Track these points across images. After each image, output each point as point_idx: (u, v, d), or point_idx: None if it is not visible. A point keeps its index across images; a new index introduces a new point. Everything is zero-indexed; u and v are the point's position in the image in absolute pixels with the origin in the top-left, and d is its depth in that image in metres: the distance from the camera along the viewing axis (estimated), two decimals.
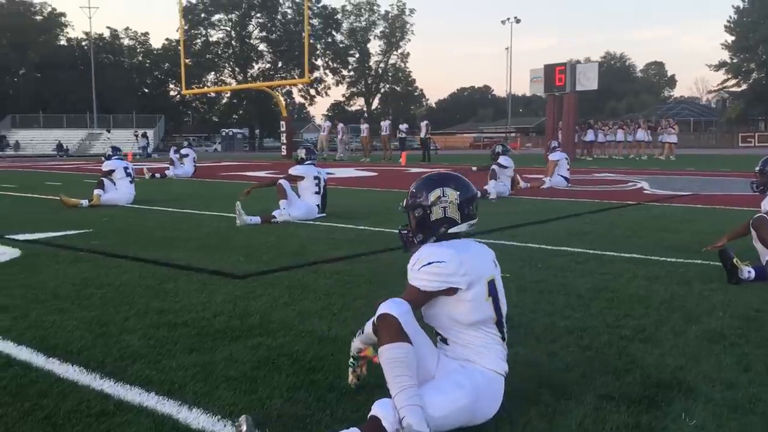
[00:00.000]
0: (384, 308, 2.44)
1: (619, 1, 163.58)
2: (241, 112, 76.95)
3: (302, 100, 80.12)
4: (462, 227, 2.65)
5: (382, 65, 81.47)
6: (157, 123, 58.83)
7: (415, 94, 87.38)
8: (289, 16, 73.74)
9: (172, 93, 77.21)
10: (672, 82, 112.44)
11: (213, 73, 75.73)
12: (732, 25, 66.43)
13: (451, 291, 2.51)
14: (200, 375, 3.03)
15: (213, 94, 74.83)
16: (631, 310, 4.12)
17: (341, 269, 5.38)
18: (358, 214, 9.14)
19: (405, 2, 79.17)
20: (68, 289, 4.72)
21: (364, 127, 29.72)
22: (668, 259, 5.74)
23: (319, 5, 72.78)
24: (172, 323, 3.85)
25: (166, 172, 17.69)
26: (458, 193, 2.63)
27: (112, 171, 10.62)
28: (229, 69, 75.46)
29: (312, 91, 75.81)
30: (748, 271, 4.85)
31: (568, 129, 26.68)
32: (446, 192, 2.62)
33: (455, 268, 2.49)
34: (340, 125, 29.29)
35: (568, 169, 14.08)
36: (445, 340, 2.64)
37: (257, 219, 8.07)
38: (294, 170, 8.57)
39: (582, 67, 26.58)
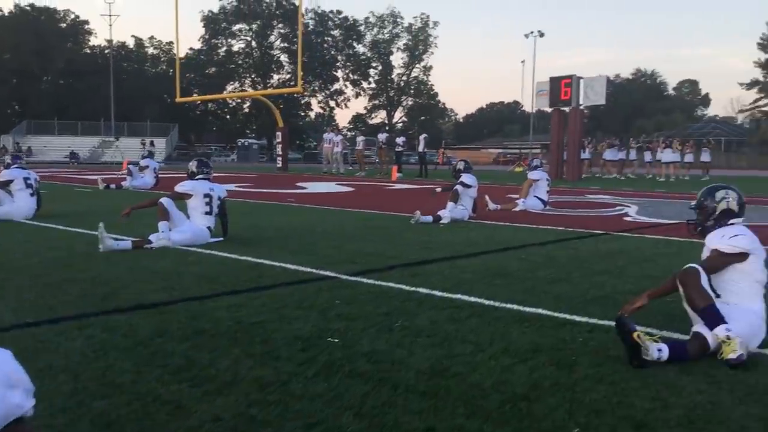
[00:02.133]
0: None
1: (652, 18, 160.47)
2: (258, 123, 76.35)
3: (321, 111, 79.06)
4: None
5: (404, 78, 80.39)
6: (170, 131, 58.22)
7: (439, 107, 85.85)
8: (311, 27, 73.06)
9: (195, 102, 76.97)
10: (706, 100, 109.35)
11: (234, 83, 75.35)
12: (765, 42, 64.00)
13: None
14: None
15: (232, 103, 74.45)
16: (452, 416, 2.72)
17: (118, 325, 4.03)
18: (269, 240, 7.82)
19: (429, 15, 77.94)
20: None
21: (359, 139, 28.43)
22: (573, 318, 4.30)
23: (340, 16, 72.13)
24: None
25: (123, 183, 16.58)
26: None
27: (10, 181, 9.46)
28: (250, 79, 75.00)
29: (332, 103, 74.98)
30: (657, 349, 3.41)
31: (573, 145, 25.08)
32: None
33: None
34: (339, 137, 28.01)
35: (547, 191, 12.58)
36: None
37: (127, 243, 6.79)
38: (180, 187, 7.27)
39: (589, 80, 24.93)
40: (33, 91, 68.10)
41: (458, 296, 4.89)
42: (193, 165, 7.56)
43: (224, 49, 73.92)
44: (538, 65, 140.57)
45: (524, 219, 10.61)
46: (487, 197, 11.97)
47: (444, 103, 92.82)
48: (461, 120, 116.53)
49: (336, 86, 74.49)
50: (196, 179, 7.38)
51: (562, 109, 25.78)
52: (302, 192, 16.79)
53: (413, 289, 5.12)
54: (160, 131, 57.46)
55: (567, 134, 25.58)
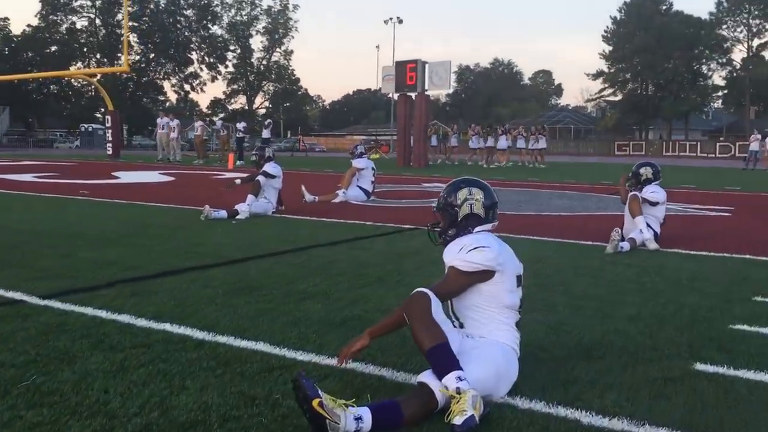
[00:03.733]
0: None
1: (509, 9, 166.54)
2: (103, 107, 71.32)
3: (175, 96, 75.00)
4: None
5: (264, 62, 77.89)
6: None
7: (301, 93, 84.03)
8: (162, 6, 68.94)
9: (32, 83, 70.47)
10: (559, 90, 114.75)
11: (78, 62, 69.74)
12: (609, 35, 67.39)
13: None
14: None
15: (77, 84, 68.88)
16: None
17: None
18: None
19: None
20: None
21: (197, 124, 26.49)
22: (294, 357, 3.24)
23: None
24: None
25: None
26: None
27: None
28: (95, 59, 69.74)
29: (186, 87, 71.29)
30: (355, 418, 2.39)
31: (419, 131, 24.58)
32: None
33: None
34: (175, 122, 25.88)
35: (372, 181, 11.66)
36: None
37: None
38: None
39: (434, 65, 24.46)
40: None
41: (164, 326, 3.70)
42: None
43: (65, 26, 68.20)
44: (399, 54, 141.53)
45: (338, 212, 9.59)
46: (303, 187, 10.88)
47: (307, 89, 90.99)
48: (328, 107, 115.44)
49: (191, 69, 70.78)
50: None
51: (408, 94, 25.18)
52: (108, 183, 14.92)
53: (112, 317, 3.88)
54: None
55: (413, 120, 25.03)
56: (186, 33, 70.78)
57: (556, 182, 17.07)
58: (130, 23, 69.05)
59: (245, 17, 75.41)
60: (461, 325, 3.02)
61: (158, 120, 27.24)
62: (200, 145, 26.29)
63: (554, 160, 35.27)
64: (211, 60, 71.84)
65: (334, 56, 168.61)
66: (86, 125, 60.99)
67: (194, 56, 70.82)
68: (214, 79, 73.45)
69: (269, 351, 3.33)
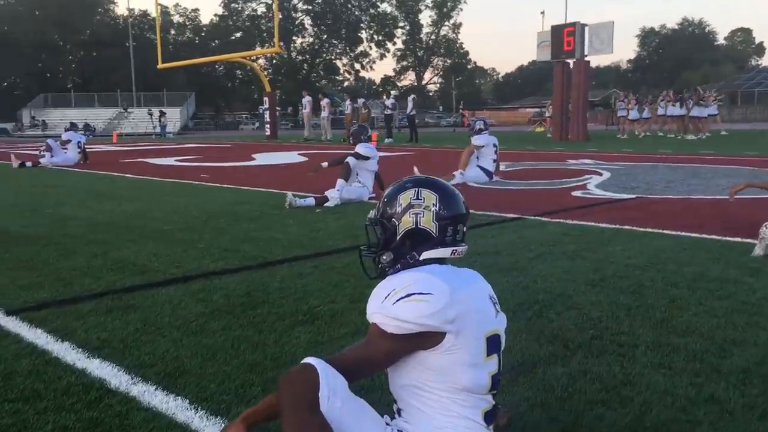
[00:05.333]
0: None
1: None
2: (284, 89, 74.54)
3: (347, 76, 76.58)
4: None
5: (432, 37, 77.11)
6: (186, 100, 56.77)
7: (470, 67, 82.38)
8: None
9: (220, 68, 75.17)
10: (760, 49, 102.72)
11: (257, 47, 73.30)
12: None
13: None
14: None
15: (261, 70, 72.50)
16: None
17: None
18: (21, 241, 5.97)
19: None
20: None
21: (324, 102, 25.94)
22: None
23: None
24: None
25: (41, 160, 14.95)
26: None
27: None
28: (272, 44, 72.92)
29: (357, 66, 72.47)
30: None
31: (577, 102, 22.42)
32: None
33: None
34: (325, 100, 25.73)
35: (494, 160, 10.37)
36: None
37: None
38: None
39: (595, 27, 22.05)
40: (55, 64, 67.55)
41: (90, 364, 2.94)
42: None
43: (247, 13, 71.96)
44: (572, 20, 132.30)
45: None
46: (416, 169, 9.86)
47: (476, 62, 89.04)
48: (501, 79, 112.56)
49: (360, 48, 71.80)
50: None
51: (566, 61, 23.07)
52: (238, 165, 14.79)
53: (47, 346, 3.18)
54: (177, 100, 56.12)
55: (572, 89, 22.88)
56: (356, 13, 71.79)
57: (734, 155, 14.62)
58: (304, 6, 71.54)
59: None
60: (399, 411, 1.94)
61: (303, 99, 27.33)
62: (348, 123, 25.89)
63: (750, 128, 31.25)
64: (380, 38, 72.36)
65: (506, 26, 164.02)
66: (263, 107, 64.02)
67: (363, 35, 71.69)
68: (382, 56, 74.10)
69: (176, 416, 2.43)
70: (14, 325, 3.47)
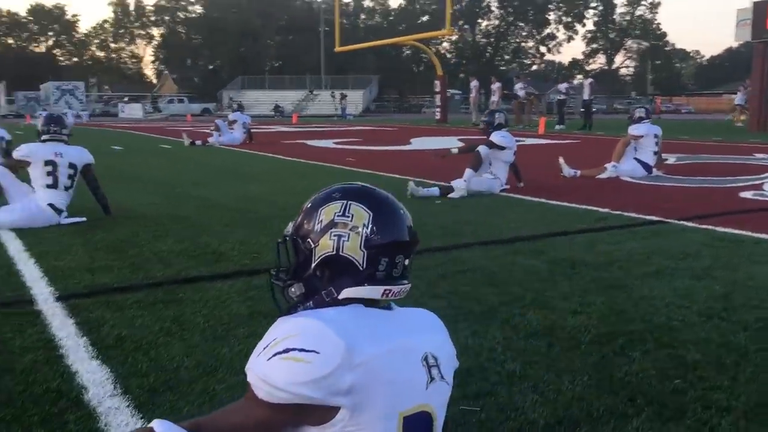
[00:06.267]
0: None
1: None
2: (466, 72, 73.93)
3: (535, 59, 74.24)
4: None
5: (627, 18, 72.38)
6: (369, 84, 58.14)
7: (666, 49, 76.43)
8: None
9: (407, 52, 76.18)
10: None
11: (442, 30, 73.30)
12: None
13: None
14: None
15: (444, 52, 72.57)
16: None
17: None
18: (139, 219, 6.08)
19: None
20: None
21: (473, 84, 24.76)
22: None
23: None
24: None
25: (209, 139, 15.74)
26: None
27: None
28: (458, 26, 72.48)
29: (542, 48, 70.04)
30: None
31: None
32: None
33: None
34: (497, 84, 24.79)
35: (656, 152, 9.20)
36: None
37: None
38: (17, 152, 5.71)
39: None
40: (254, 48, 72.31)
41: (77, 364, 2.76)
42: (40, 122, 5.99)
43: None
44: None
45: (586, 192, 7.62)
46: (561, 159, 9.06)
47: (674, 44, 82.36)
48: (706, 62, 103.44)
49: (547, 31, 69.23)
50: (40, 142, 5.77)
51: None
52: (391, 150, 14.63)
53: (63, 340, 3.07)
54: (362, 84, 57.67)
55: None
56: None
57: None
58: None
59: None
60: None
61: (470, 83, 26.64)
62: (518, 110, 24.66)
63: None
64: (568, 19, 69.25)
65: (712, 4, 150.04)
66: (452, 91, 64.09)
67: (551, 17, 69.02)
68: (570, 39, 70.91)
69: None
70: (52, 312, 3.41)
